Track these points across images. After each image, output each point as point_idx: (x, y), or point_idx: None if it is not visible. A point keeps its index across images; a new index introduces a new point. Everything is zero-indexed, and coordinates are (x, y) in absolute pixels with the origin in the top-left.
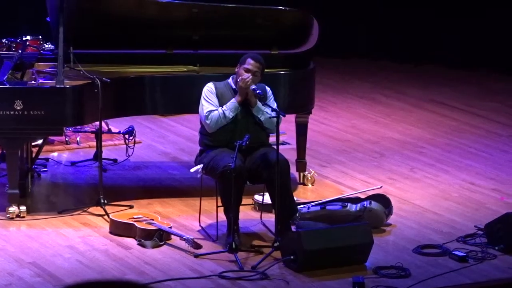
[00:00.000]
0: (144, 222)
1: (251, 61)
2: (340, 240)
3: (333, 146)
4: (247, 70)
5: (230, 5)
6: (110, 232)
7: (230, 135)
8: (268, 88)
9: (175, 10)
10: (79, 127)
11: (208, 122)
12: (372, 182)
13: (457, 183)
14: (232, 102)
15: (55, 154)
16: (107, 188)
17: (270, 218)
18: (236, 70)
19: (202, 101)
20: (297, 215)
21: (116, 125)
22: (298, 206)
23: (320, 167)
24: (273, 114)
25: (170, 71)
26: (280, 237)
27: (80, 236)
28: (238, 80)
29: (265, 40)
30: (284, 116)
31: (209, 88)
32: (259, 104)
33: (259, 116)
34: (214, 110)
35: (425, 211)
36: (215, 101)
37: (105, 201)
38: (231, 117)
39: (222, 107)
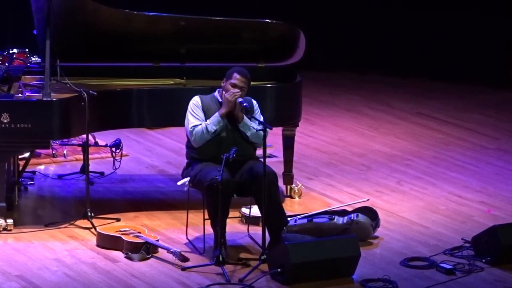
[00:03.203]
0: (131, 235)
1: (238, 76)
2: (327, 253)
3: (320, 159)
4: (234, 85)
5: (217, 18)
6: (97, 245)
7: (216, 149)
8: (254, 102)
9: (162, 23)
10: (66, 140)
11: (192, 138)
12: (359, 194)
13: (444, 196)
14: (215, 116)
15: (42, 167)
16: (94, 201)
17: (257, 231)
18: (222, 84)
19: (188, 115)
20: (284, 228)
21: (103, 138)
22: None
23: (307, 180)
24: (260, 127)
25: (157, 84)
26: (271, 249)
27: (67, 249)
28: (226, 95)
29: (252, 53)
30: (271, 129)
31: (195, 102)
32: (246, 119)
33: (245, 132)
34: (198, 125)
35: (412, 224)
36: (201, 115)
37: (92, 214)
38: (213, 131)
39: (206, 121)
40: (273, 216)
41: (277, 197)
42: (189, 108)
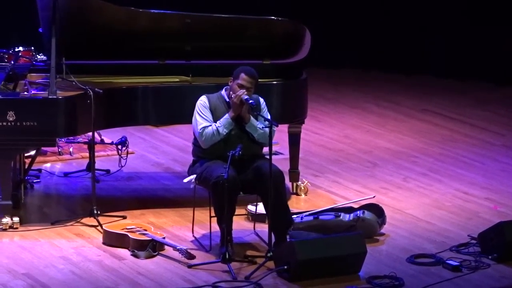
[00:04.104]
0: (137, 232)
1: (245, 76)
2: (333, 250)
3: (326, 156)
4: (241, 86)
5: (223, 16)
6: (104, 243)
7: (222, 147)
8: (262, 100)
9: (167, 20)
10: (71, 138)
11: (202, 139)
12: (365, 191)
13: (450, 193)
14: (225, 118)
15: (48, 165)
16: (100, 199)
17: (263, 228)
18: (230, 84)
19: (196, 116)
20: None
21: (109, 135)
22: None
23: (313, 177)
24: (266, 123)
25: (163, 81)
26: (276, 248)
27: (74, 247)
28: (232, 96)
29: (258, 50)
30: (277, 126)
31: (202, 102)
32: (253, 120)
33: (252, 133)
34: (208, 126)
35: (418, 221)
36: (209, 115)
37: (98, 212)
38: (224, 133)
39: (216, 123)
40: (279, 217)
41: (283, 197)
42: (196, 108)
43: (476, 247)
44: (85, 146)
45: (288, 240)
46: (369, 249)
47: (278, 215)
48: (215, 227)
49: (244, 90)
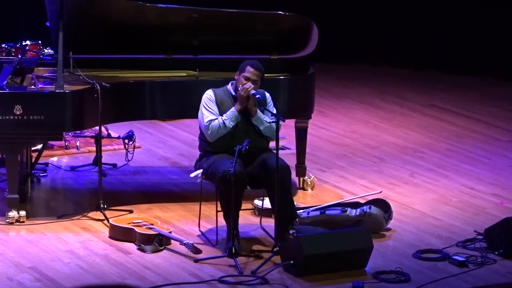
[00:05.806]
0: (144, 227)
1: (251, 69)
2: (339, 245)
3: (333, 151)
4: (247, 79)
5: (230, 10)
6: (110, 237)
7: (229, 141)
8: (267, 94)
9: (175, 15)
10: (78, 132)
11: (208, 132)
12: (372, 187)
13: (457, 188)
14: (232, 111)
15: (55, 159)
16: (107, 193)
17: (269, 223)
18: (236, 77)
19: (202, 109)
20: (297, 220)
21: (116, 130)
22: (298, 211)
23: (320, 172)
24: (273, 119)
25: (170, 76)
26: (279, 241)
27: (80, 241)
28: (239, 89)
29: (265, 45)
30: (284, 121)
31: (208, 96)
32: (259, 113)
33: (258, 126)
34: (214, 120)
35: (424, 216)
36: (215, 109)
37: (105, 206)
38: (231, 126)
39: (222, 116)
40: (284, 210)
41: (289, 191)
42: (202, 102)
43: (482, 242)
44: (92, 140)
45: (290, 233)
46: (376, 244)
47: (283, 209)
48: (222, 222)
49: (251, 84)
